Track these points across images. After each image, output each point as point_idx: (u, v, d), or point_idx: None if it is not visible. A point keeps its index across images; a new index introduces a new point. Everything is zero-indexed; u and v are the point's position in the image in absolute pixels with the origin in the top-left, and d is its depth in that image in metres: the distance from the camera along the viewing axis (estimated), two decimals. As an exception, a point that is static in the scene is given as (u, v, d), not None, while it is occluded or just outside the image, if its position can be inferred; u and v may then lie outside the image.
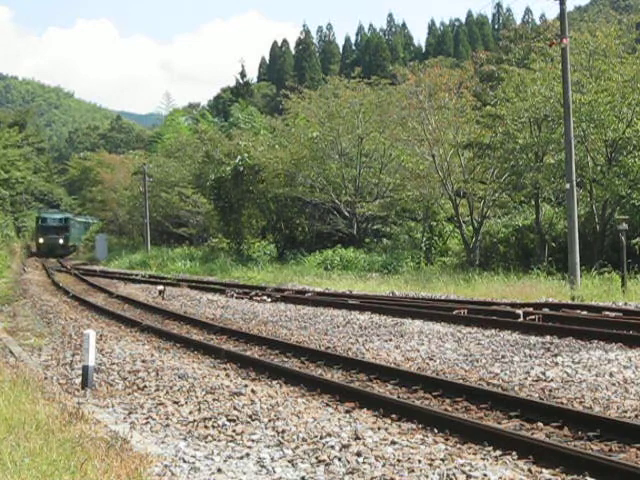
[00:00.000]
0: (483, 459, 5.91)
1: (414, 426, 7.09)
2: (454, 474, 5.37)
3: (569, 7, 22.99)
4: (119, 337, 14.01)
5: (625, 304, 15.62)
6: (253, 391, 8.49)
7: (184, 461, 5.85)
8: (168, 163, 55.28)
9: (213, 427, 7.03)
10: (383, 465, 5.66)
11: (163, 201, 53.06)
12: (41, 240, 66.13)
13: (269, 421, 7.11)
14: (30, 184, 78.29)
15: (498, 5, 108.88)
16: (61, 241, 66.82)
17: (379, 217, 35.27)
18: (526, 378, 8.89)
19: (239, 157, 38.22)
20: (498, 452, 6.13)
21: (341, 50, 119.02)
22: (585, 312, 14.25)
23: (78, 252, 71.39)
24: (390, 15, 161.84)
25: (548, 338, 11.53)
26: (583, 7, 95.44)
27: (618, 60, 25.04)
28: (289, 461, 5.87)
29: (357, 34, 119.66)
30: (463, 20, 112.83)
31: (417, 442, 6.41)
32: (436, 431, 6.86)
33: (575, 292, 18.05)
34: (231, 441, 6.53)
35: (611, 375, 8.75)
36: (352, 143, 35.53)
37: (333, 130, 35.50)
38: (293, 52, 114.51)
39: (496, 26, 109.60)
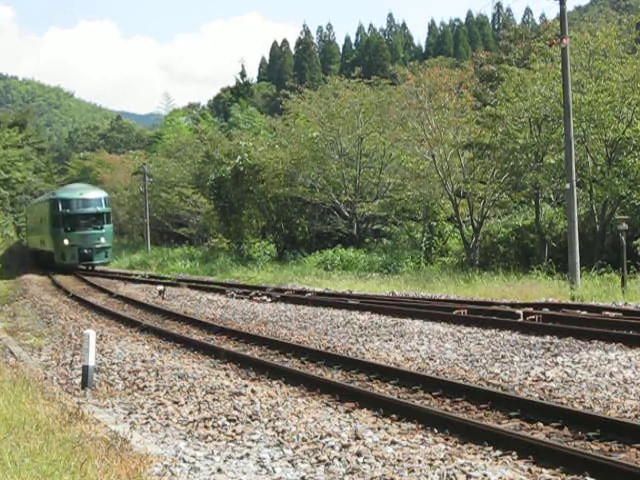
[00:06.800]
0: (483, 459, 5.91)
1: (414, 426, 7.10)
2: (454, 474, 5.38)
3: (569, 7, 23.03)
4: (119, 337, 14.01)
5: (625, 304, 15.62)
6: (253, 391, 8.49)
7: (184, 461, 5.85)
8: (168, 163, 55.32)
9: (213, 427, 7.03)
10: (383, 465, 5.66)
11: (163, 201, 53.08)
12: (66, 241, 39.00)
13: (269, 421, 7.11)
14: (30, 184, 78.08)
15: (498, 5, 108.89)
16: (102, 240, 40.09)
17: (379, 217, 35.26)
18: (526, 378, 8.89)
19: (239, 157, 38.22)
20: (498, 452, 6.14)
21: (341, 50, 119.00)
22: (585, 312, 14.24)
23: None
24: (390, 15, 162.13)
25: (548, 338, 11.52)
26: (583, 7, 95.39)
27: (618, 60, 25.03)
28: (289, 461, 5.88)
29: (357, 34, 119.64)
30: (463, 20, 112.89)
31: (417, 442, 6.41)
32: (436, 431, 6.86)
33: (575, 292, 18.05)
34: (231, 441, 6.54)
35: (611, 375, 8.75)
36: (352, 143, 35.53)
37: (333, 130, 35.50)
38: (293, 52, 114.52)
39: (496, 26, 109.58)
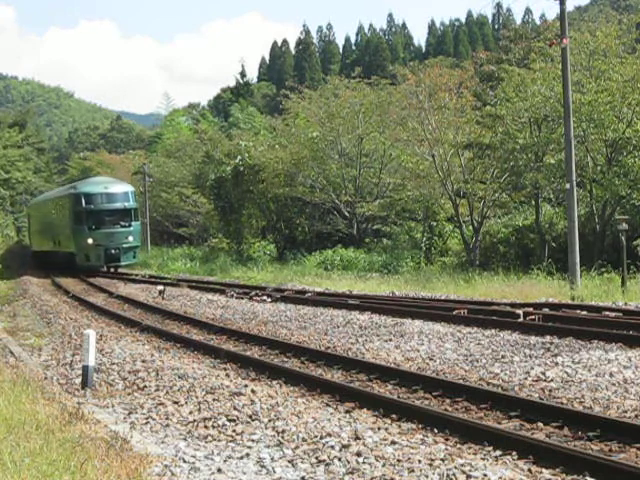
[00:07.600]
0: (483, 459, 5.91)
1: (414, 426, 7.09)
2: (454, 474, 5.38)
3: (569, 7, 23.07)
4: (119, 337, 14.00)
5: (625, 304, 15.62)
6: (253, 391, 8.49)
7: (184, 461, 5.85)
8: (168, 163, 55.35)
9: (213, 427, 7.03)
10: (383, 465, 5.66)
11: (163, 201, 53.08)
12: (90, 240, 34.84)
13: (269, 421, 7.11)
14: (30, 184, 78.07)
15: (498, 5, 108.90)
16: (130, 238, 35.83)
17: (379, 217, 35.27)
18: (526, 378, 8.89)
19: (239, 157, 38.24)
20: (498, 452, 6.14)
21: (341, 50, 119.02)
22: (585, 312, 14.24)
23: None
24: (390, 15, 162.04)
25: (548, 338, 11.52)
26: (583, 7, 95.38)
27: (618, 60, 25.05)
28: (289, 461, 5.87)
29: (357, 34, 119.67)
30: (463, 20, 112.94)
31: (417, 442, 6.41)
32: (436, 431, 6.86)
33: (575, 292, 18.04)
34: (231, 441, 6.53)
35: (611, 375, 8.75)
36: (352, 143, 35.55)
37: (333, 130, 35.53)
38: (293, 52, 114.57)
39: (496, 26, 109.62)
